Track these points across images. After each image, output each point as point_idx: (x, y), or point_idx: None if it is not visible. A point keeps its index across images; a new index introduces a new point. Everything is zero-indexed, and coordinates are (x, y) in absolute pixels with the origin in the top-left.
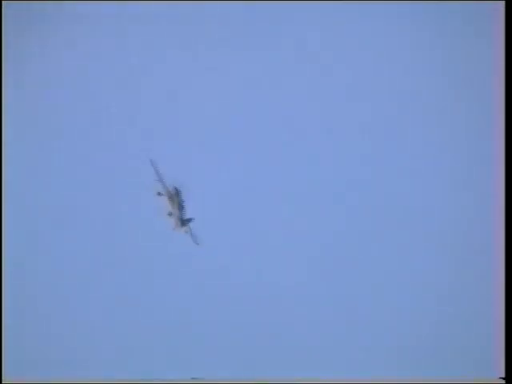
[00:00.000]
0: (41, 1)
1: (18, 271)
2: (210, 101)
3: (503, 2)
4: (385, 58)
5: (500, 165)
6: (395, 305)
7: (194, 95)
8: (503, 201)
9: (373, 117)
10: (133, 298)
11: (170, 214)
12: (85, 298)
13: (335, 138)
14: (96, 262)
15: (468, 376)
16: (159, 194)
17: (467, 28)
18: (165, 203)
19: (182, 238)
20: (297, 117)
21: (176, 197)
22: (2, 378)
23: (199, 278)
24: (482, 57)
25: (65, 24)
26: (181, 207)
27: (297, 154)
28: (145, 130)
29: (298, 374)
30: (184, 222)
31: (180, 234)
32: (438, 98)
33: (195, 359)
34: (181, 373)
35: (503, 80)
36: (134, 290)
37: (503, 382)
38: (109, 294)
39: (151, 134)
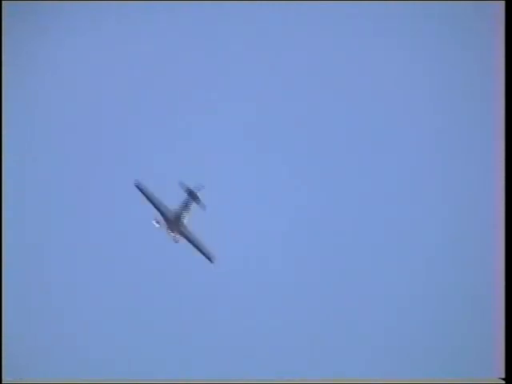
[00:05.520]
0: (41, 1)
1: (18, 274)
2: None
3: (503, 2)
4: (383, 59)
5: (500, 165)
6: (395, 305)
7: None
8: (503, 201)
9: (373, 116)
10: (132, 299)
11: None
12: (85, 299)
13: (335, 140)
14: (96, 264)
15: (468, 376)
16: (157, 222)
17: (467, 28)
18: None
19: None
20: (294, 116)
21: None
22: (2, 378)
23: (197, 281)
24: (482, 56)
25: (65, 24)
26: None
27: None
28: (144, 132)
29: (298, 374)
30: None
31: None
32: (437, 98)
33: (195, 359)
34: (181, 373)
35: (503, 80)
36: (134, 291)
37: (503, 382)
38: (108, 295)
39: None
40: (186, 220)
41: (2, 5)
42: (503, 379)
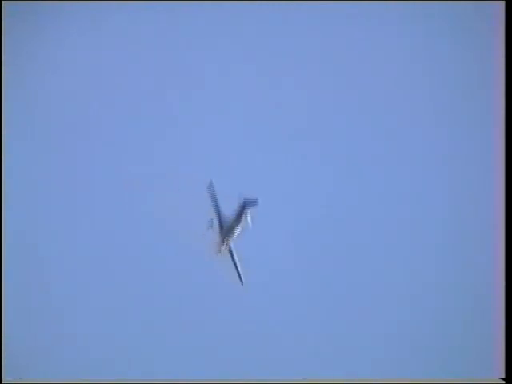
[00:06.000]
0: (41, 1)
1: (18, 274)
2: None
3: (503, 2)
4: (383, 60)
5: (500, 165)
6: (395, 305)
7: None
8: (503, 201)
9: (373, 116)
10: (132, 299)
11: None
12: (85, 299)
13: (335, 136)
14: (96, 264)
15: (468, 376)
16: (210, 226)
17: (467, 28)
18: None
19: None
20: (292, 114)
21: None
22: (2, 378)
23: (197, 281)
24: (482, 56)
25: (65, 24)
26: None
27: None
28: (146, 132)
29: (300, 374)
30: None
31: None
32: (437, 98)
33: (195, 359)
34: (181, 373)
35: (503, 80)
36: (134, 291)
37: (503, 382)
38: (108, 294)
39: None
40: (237, 233)
41: (2, 5)
42: (503, 379)
